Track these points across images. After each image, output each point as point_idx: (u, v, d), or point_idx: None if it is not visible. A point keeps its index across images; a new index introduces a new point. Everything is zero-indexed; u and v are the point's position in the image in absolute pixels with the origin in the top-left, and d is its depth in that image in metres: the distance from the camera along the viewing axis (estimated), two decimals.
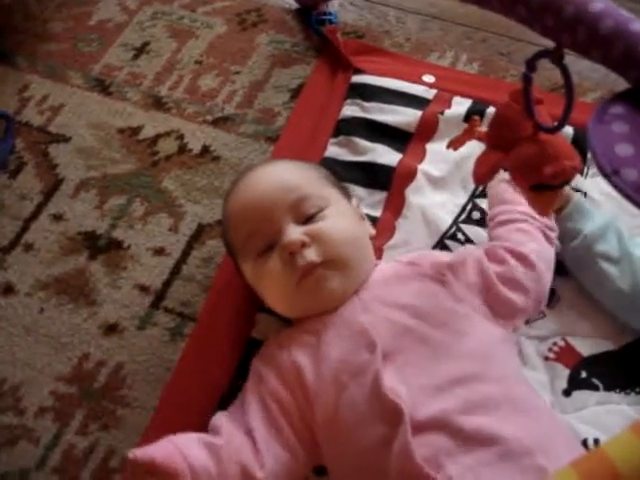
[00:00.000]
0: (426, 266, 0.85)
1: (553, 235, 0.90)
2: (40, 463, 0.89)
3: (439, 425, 0.70)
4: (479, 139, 0.82)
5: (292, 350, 0.82)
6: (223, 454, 0.73)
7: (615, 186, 0.51)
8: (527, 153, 0.73)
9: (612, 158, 0.53)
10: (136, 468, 0.67)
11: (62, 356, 0.96)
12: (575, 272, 0.93)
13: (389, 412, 0.71)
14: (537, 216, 0.88)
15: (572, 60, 0.72)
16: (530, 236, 0.88)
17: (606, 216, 0.91)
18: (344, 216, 0.87)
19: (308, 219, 0.84)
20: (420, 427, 0.70)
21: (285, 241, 0.81)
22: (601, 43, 0.61)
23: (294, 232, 0.82)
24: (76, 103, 1.21)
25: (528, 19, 0.66)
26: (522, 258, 0.85)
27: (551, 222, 0.90)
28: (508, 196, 0.92)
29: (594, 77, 1.22)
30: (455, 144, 0.85)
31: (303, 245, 0.81)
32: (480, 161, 0.78)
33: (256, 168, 0.92)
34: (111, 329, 0.97)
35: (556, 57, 0.68)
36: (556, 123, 0.70)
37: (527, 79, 0.73)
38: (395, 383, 0.73)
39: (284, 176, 0.88)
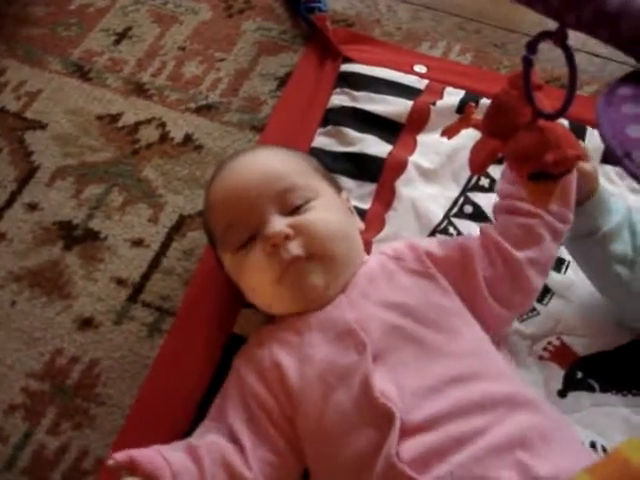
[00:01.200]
0: (410, 261, 0.82)
1: (564, 229, 0.82)
2: (8, 464, 0.85)
3: (432, 427, 0.67)
4: (475, 127, 0.78)
5: (274, 349, 0.78)
6: (205, 455, 0.71)
7: (627, 169, 0.48)
8: (526, 140, 0.70)
9: (623, 140, 0.49)
10: (116, 472, 0.66)
11: (34, 351, 0.92)
12: (583, 268, 0.90)
13: (379, 416, 0.68)
14: (553, 209, 0.80)
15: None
16: (531, 237, 0.81)
17: (621, 209, 0.86)
18: (332, 209, 0.83)
19: (294, 210, 0.80)
20: (412, 430, 0.67)
21: (268, 232, 0.78)
22: (608, 21, 0.58)
23: (278, 223, 0.78)
24: (54, 89, 1.17)
25: None
26: (512, 266, 0.80)
27: (564, 212, 0.81)
28: None
29: (590, 70, 1.20)
30: (450, 132, 0.81)
31: (287, 237, 0.78)
32: (476, 149, 0.74)
33: (242, 154, 0.88)
34: (86, 324, 0.94)
35: (559, 38, 0.64)
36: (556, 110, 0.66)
37: (527, 62, 0.69)
38: (386, 385, 0.70)
39: (271, 164, 0.84)
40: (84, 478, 0.84)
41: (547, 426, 0.69)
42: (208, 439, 0.74)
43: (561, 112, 0.68)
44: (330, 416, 0.72)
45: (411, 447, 0.66)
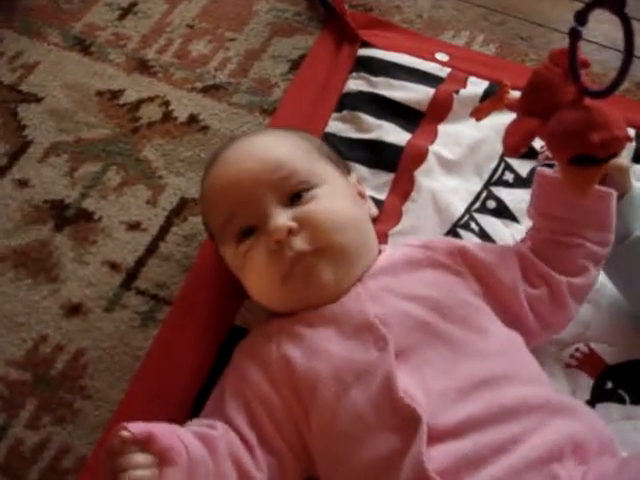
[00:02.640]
0: (441, 253, 0.76)
1: (604, 253, 0.77)
2: None
3: (462, 434, 0.61)
4: (509, 107, 0.73)
5: (282, 342, 0.72)
6: (220, 447, 0.66)
7: None
8: (570, 119, 0.64)
9: None
10: (127, 445, 0.60)
11: (16, 337, 0.87)
12: (612, 276, 0.84)
13: (403, 419, 0.63)
14: (591, 236, 0.75)
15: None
16: (573, 267, 0.76)
17: None
18: (339, 195, 0.78)
19: (295, 199, 0.75)
20: (439, 437, 0.61)
21: (270, 228, 0.73)
22: None
23: (280, 217, 0.73)
24: (52, 62, 1.13)
25: None
26: (553, 289, 0.75)
27: (604, 236, 0.76)
28: (572, 209, 0.75)
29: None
30: (480, 113, 0.76)
31: (290, 232, 0.72)
32: (512, 129, 0.69)
33: (238, 140, 0.83)
34: (74, 310, 0.89)
35: (617, 5, 0.58)
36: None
37: (575, 34, 0.64)
38: (410, 385, 0.64)
39: (268, 149, 0.79)
40: (64, 478, 0.79)
41: (584, 434, 0.64)
42: (221, 430, 0.68)
43: (612, 88, 0.62)
44: (344, 418, 0.66)
45: (440, 455, 0.60)
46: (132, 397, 0.82)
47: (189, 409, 0.79)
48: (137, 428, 0.60)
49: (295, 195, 0.75)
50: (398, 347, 0.67)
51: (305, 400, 0.69)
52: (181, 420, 0.76)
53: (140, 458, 0.59)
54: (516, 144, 0.68)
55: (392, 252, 0.79)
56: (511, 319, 0.74)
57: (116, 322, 0.88)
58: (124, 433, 0.59)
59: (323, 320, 0.72)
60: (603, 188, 0.73)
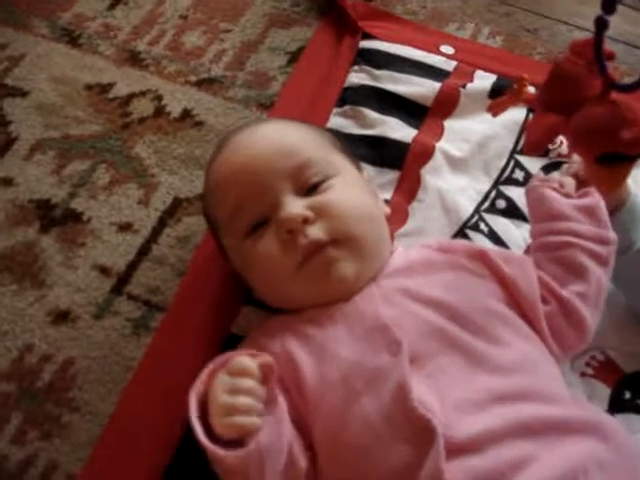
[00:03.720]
0: (462, 255, 0.73)
1: (607, 252, 0.72)
2: None
3: (479, 449, 0.58)
4: (528, 102, 0.70)
5: (286, 340, 0.69)
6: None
7: None
8: (596, 115, 0.62)
9: None
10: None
11: (0, 347, 0.84)
12: (620, 286, 0.82)
13: (416, 431, 0.59)
14: (587, 232, 0.72)
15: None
16: (572, 270, 0.72)
17: None
18: (356, 187, 0.75)
19: (311, 189, 0.72)
20: (455, 451, 0.57)
21: (283, 215, 0.69)
22: None
23: (294, 205, 0.70)
24: (39, 54, 1.08)
25: None
26: (562, 304, 0.71)
27: (600, 233, 0.72)
28: (557, 208, 0.73)
29: (630, 61, 1.13)
30: (497, 108, 0.72)
31: (306, 221, 0.69)
32: (533, 126, 0.66)
33: (249, 126, 0.79)
34: (62, 317, 0.86)
35: None
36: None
37: (602, 24, 0.60)
38: (425, 394, 0.61)
39: (284, 136, 0.75)
40: None
41: (607, 455, 0.61)
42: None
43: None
44: (352, 427, 0.63)
45: (459, 471, 0.56)
46: (123, 410, 0.79)
47: (184, 423, 0.73)
48: (266, 360, 0.62)
49: (311, 187, 0.72)
50: (412, 353, 0.64)
51: (312, 405, 0.65)
52: (175, 436, 0.75)
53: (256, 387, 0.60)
54: (538, 141, 0.64)
55: (407, 252, 0.76)
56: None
57: (106, 330, 0.85)
58: (262, 361, 0.61)
59: (332, 320, 0.69)
60: (587, 188, 0.72)
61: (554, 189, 0.73)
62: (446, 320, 0.66)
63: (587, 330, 0.72)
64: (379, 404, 0.62)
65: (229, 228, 0.74)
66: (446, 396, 0.61)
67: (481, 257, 0.72)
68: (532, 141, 0.65)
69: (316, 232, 0.68)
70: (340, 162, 0.76)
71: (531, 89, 0.70)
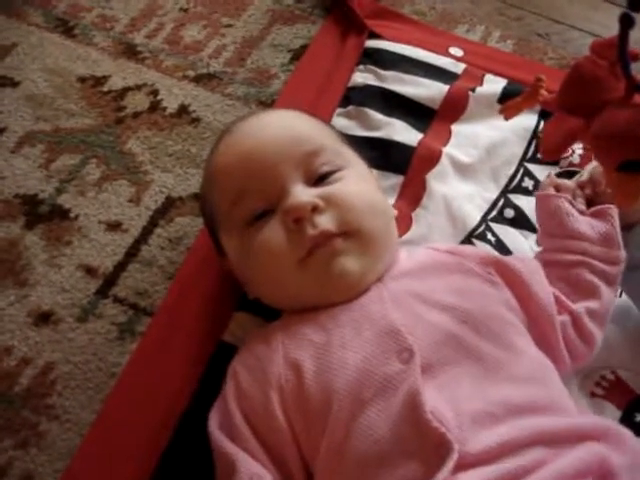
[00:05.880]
0: (472, 260, 0.70)
1: (616, 271, 0.73)
2: None
3: (491, 461, 0.55)
4: (544, 105, 0.66)
5: (290, 348, 0.65)
6: None
7: None
8: (619, 119, 0.57)
9: None
10: None
11: None
12: (636, 301, 0.79)
13: (429, 445, 0.56)
14: (599, 254, 0.72)
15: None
16: (582, 288, 0.72)
17: None
18: (367, 180, 0.73)
19: (321, 179, 0.69)
20: (467, 465, 0.55)
21: (290, 204, 0.66)
22: None
23: (302, 193, 0.66)
24: (32, 44, 1.06)
25: None
26: (574, 317, 0.71)
27: (610, 253, 0.73)
28: (573, 225, 0.73)
29: None
30: (510, 110, 0.69)
31: (315, 209, 0.66)
32: (550, 130, 0.62)
33: (257, 114, 0.77)
34: (43, 318, 0.83)
35: None
36: None
37: (627, 22, 0.55)
38: (439, 406, 0.58)
39: (294, 124, 0.73)
40: None
41: (619, 459, 0.59)
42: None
43: None
44: (359, 441, 0.59)
45: None
46: (105, 419, 0.76)
47: (170, 434, 0.73)
48: None
49: (321, 177, 0.69)
50: (425, 361, 0.61)
51: (314, 420, 0.62)
52: (159, 447, 0.73)
53: None
54: (556, 146, 0.61)
55: (414, 254, 0.74)
56: (541, 342, 0.68)
57: (90, 334, 0.82)
58: None
59: (338, 323, 0.65)
60: (602, 206, 0.73)
61: (569, 202, 0.73)
62: (460, 326, 0.63)
63: (595, 346, 0.72)
64: (388, 415, 0.59)
65: (229, 217, 0.70)
66: (461, 408, 0.58)
67: (493, 262, 0.70)
68: (549, 146, 0.61)
69: (325, 222, 0.65)
70: (350, 155, 0.74)
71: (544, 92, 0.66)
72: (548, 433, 0.58)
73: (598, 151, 0.59)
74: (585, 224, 0.72)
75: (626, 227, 0.75)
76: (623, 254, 0.73)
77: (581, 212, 0.74)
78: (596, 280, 0.71)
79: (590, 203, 0.76)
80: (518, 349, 0.64)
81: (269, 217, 0.67)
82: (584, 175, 0.78)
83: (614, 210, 0.73)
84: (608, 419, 0.71)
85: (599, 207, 0.73)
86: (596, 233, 0.72)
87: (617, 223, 0.73)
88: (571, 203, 0.73)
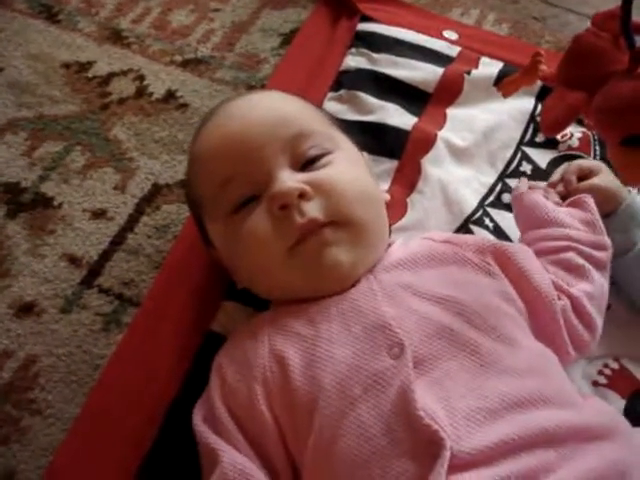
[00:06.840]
0: (469, 250, 0.68)
1: (604, 257, 0.72)
2: None
3: (492, 462, 0.53)
4: (544, 80, 0.64)
5: (276, 341, 0.63)
6: None
7: None
8: (623, 92, 0.55)
9: None
10: None
11: None
12: (627, 287, 0.79)
13: (421, 443, 0.54)
14: (584, 239, 0.71)
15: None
16: (574, 270, 0.71)
17: None
18: (357, 165, 0.70)
19: (308, 163, 0.67)
20: (464, 465, 0.52)
21: (276, 189, 0.64)
22: None
23: (289, 178, 0.64)
24: (15, 30, 1.05)
25: None
26: (573, 301, 0.70)
27: (595, 239, 0.72)
28: (552, 215, 0.74)
29: None
30: (508, 87, 0.67)
31: (302, 196, 0.64)
32: (551, 104, 0.61)
33: (243, 95, 0.75)
34: (26, 310, 0.82)
35: None
36: None
37: None
38: (431, 402, 0.56)
39: (281, 106, 0.71)
40: None
41: (629, 462, 0.57)
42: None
43: None
44: (348, 440, 0.57)
45: None
46: (89, 413, 0.75)
47: (156, 428, 0.71)
48: None
49: (308, 161, 0.67)
50: (416, 355, 0.59)
51: (301, 416, 0.60)
52: (145, 441, 0.71)
53: None
54: (557, 121, 0.59)
55: (406, 244, 0.71)
56: (542, 332, 0.66)
57: (74, 325, 0.81)
58: None
59: (327, 316, 0.63)
60: (577, 196, 0.74)
61: (544, 196, 0.74)
62: (453, 317, 0.62)
63: (597, 331, 0.71)
64: (379, 413, 0.57)
65: (215, 203, 0.68)
66: (455, 404, 0.56)
67: (491, 251, 0.68)
68: (550, 121, 0.59)
69: (313, 210, 0.63)
70: (340, 138, 0.72)
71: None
72: (552, 430, 0.56)
73: (601, 125, 0.57)
74: (564, 213, 0.72)
75: (604, 216, 0.75)
76: (609, 241, 0.72)
77: (557, 204, 0.74)
78: (587, 264, 0.70)
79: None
80: (516, 341, 0.62)
81: (256, 203, 0.65)
82: (556, 175, 0.79)
83: (589, 198, 0.73)
84: (614, 411, 0.69)
85: (574, 197, 0.73)
86: (577, 220, 0.72)
87: (595, 210, 0.73)
88: (546, 197, 0.74)
